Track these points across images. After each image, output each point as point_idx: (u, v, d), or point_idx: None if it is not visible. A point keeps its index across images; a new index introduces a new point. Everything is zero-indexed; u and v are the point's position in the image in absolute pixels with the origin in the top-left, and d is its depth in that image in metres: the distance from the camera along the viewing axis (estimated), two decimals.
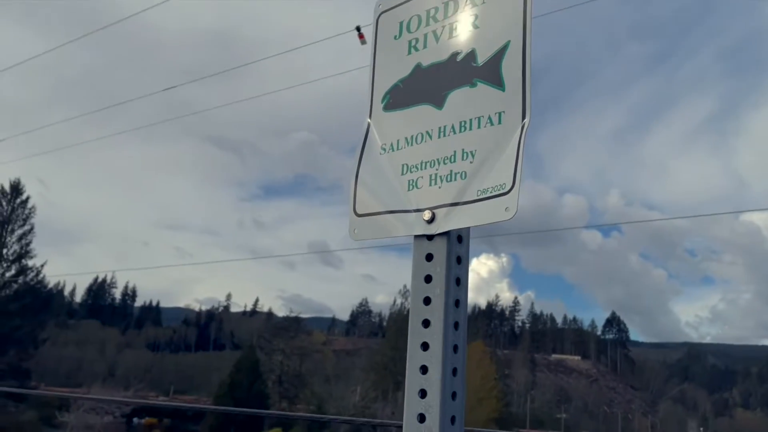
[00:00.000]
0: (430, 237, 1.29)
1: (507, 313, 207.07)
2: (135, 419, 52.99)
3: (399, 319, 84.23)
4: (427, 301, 1.25)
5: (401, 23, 1.49)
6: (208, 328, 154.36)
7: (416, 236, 1.30)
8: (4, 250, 54.68)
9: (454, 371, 1.22)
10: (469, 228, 1.30)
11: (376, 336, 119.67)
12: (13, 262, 54.55)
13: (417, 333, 1.24)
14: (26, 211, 55.62)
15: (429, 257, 1.28)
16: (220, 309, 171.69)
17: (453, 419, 1.18)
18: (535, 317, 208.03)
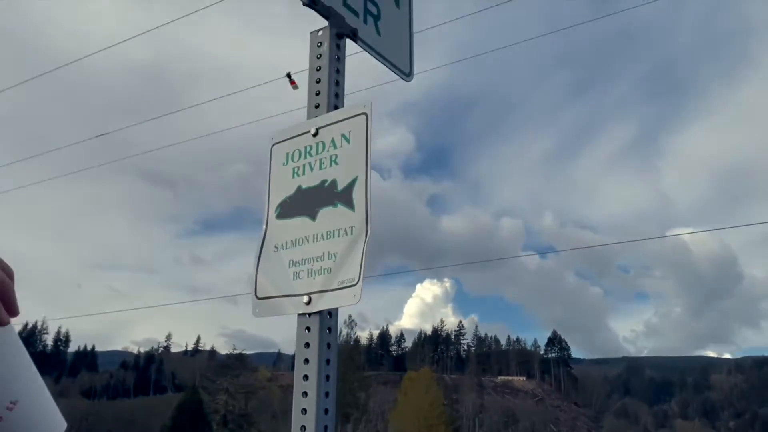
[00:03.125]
0: (308, 314, 1.82)
1: (453, 337, 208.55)
2: None
3: (345, 350, 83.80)
4: (306, 361, 1.78)
5: (287, 154, 2.04)
6: (148, 371, 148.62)
7: (299, 314, 1.83)
8: None
9: (326, 411, 1.74)
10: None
11: None
12: None
13: (299, 384, 1.76)
14: None
15: (308, 329, 1.81)
16: (160, 350, 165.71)
17: None
18: (480, 340, 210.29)
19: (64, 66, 13.97)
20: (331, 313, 1.85)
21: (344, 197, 1.84)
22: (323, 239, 1.85)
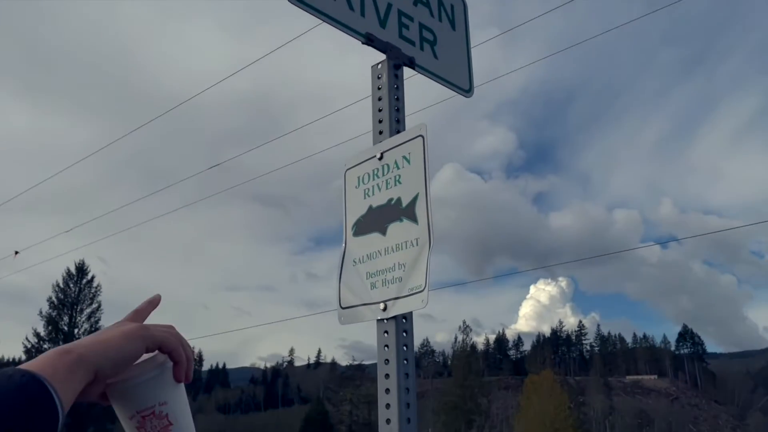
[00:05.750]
0: (385, 319, 2.04)
1: (573, 338, 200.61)
2: None
3: (463, 356, 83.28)
4: (386, 361, 2.00)
5: (358, 177, 2.28)
6: (275, 385, 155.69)
7: (378, 320, 2.06)
8: (76, 330, 57.50)
9: (408, 405, 1.95)
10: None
11: (442, 376, 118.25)
12: None
13: (382, 382, 1.99)
14: (93, 290, 58.61)
15: (386, 332, 2.04)
16: (285, 365, 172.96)
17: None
18: (603, 339, 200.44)
19: (178, 106, 15.27)
20: (406, 318, 2.06)
21: (408, 212, 2.06)
22: (393, 251, 2.07)
